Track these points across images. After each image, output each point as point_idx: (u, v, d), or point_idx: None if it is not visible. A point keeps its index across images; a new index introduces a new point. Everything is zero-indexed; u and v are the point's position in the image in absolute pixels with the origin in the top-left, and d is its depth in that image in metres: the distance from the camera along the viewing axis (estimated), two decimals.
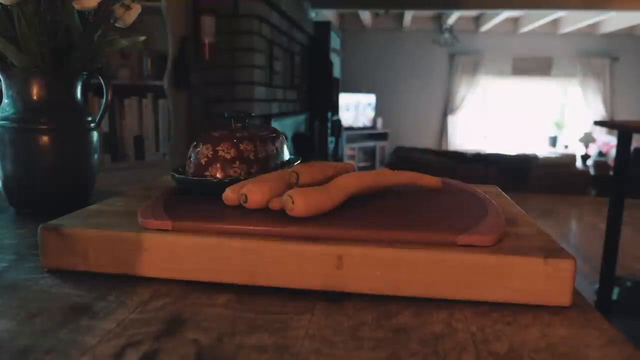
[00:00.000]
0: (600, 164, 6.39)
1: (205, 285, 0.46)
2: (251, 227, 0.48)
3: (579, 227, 4.73)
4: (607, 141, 6.81)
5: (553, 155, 6.60)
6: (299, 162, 0.68)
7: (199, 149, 0.63)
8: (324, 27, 5.27)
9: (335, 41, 5.83)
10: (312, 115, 5.10)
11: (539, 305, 0.43)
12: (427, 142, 7.61)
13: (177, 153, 2.56)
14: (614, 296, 2.48)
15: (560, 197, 5.69)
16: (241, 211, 0.52)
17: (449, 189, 0.66)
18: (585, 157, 6.84)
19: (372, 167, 6.92)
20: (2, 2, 0.65)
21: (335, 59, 5.80)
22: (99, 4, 0.69)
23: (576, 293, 0.43)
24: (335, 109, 5.66)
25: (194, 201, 0.57)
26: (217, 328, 0.39)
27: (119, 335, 0.38)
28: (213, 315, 0.41)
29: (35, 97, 0.71)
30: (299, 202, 0.49)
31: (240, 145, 0.61)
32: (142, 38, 0.80)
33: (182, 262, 0.47)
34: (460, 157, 3.93)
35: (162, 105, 2.62)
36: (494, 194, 0.68)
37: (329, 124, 5.43)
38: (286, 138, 3.12)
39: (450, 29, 7.06)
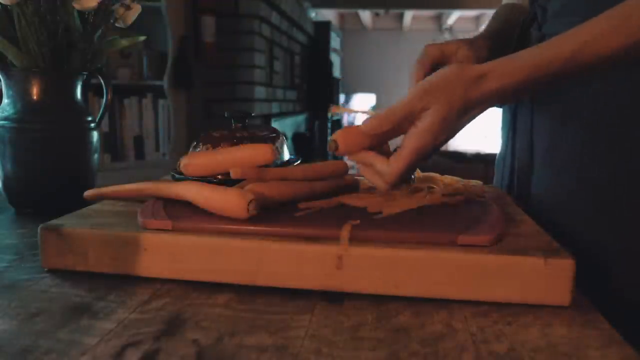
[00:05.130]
0: None
1: (205, 285, 0.46)
2: (251, 227, 0.48)
3: None
4: None
5: None
6: (298, 162, 0.68)
7: (199, 149, 0.63)
8: (324, 27, 5.26)
9: (335, 41, 5.83)
10: (312, 115, 5.10)
11: (539, 305, 0.43)
12: None
13: (177, 153, 2.55)
14: None
15: None
16: None
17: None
18: None
19: None
20: (2, 2, 0.65)
21: (335, 59, 5.80)
22: (99, 4, 0.69)
23: (576, 293, 0.43)
24: None
25: None
26: (217, 328, 0.39)
27: (119, 335, 0.38)
28: (213, 315, 0.41)
29: (35, 97, 0.71)
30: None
31: (240, 145, 0.61)
32: (142, 38, 0.80)
33: (182, 262, 0.47)
34: (460, 157, 3.93)
35: (162, 105, 2.61)
36: (494, 194, 0.68)
37: (329, 124, 5.43)
38: (286, 138, 3.12)
39: (450, 29, 7.06)
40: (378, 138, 0.52)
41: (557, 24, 0.61)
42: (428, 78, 0.50)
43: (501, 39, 0.69)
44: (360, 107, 6.64)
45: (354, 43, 7.37)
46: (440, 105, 0.48)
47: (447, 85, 0.49)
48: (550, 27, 0.62)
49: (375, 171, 0.52)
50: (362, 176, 0.56)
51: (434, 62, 0.61)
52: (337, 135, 0.52)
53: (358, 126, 0.52)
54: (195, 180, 0.58)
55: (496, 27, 0.72)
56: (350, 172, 0.64)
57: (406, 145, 0.50)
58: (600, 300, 0.44)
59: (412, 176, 0.61)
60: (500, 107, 0.77)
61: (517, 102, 0.69)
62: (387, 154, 0.53)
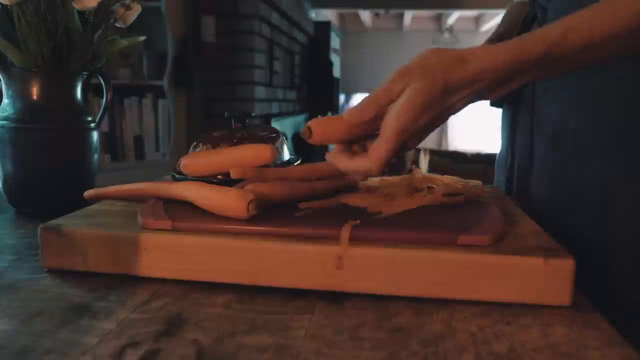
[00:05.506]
0: None
1: (205, 285, 0.46)
2: (251, 227, 0.48)
3: None
4: None
5: None
6: (298, 162, 0.68)
7: (199, 149, 0.63)
8: (324, 27, 5.27)
9: (335, 41, 5.83)
10: (312, 115, 5.10)
11: (539, 305, 0.43)
12: (427, 141, 7.59)
13: (177, 153, 2.55)
14: None
15: None
16: None
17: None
18: None
19: None
20: (2, 2, 0.65)
21: (335, 59, 5.80)
22: (99, 4, 0.69)
23: (576, 293, 0.43)
24: (335, 109, 5.66)
25: None
26: (217, 328, 0.39)
27: (119, 335, 0.38)
28: (213, 315, 0.41)
29: (35, 97, 0.71)
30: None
31: (240, 145, 0.61)
32: (142, 38, 0.80)
33: (182, 262, 0.47)
34: (460, 157, 3.94)
35: (162, 105, 2.61)
36: (494, 194, 0.68)
37: None
38: (286, 138, 3.12)
39: (450, 29, 7.06)
40: (360, 128, 0.49)
41: None
42: (406, 63, 0.49)
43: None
44: None
45: (354, 43, 7.37)
46: (419, 82, 0.46)
47: (425, 64, 0.47)
48: None
49: (354, 169, 0.50)
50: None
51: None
52: (313, 122, 0.49)
53: (339, 116, 0.49)
54: (195, 180, 0.58)
55: (505, 29, 0.71)
56: None
57: (386, 125, 0.47)
58: (600, 300, 0.44)
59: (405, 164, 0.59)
60: (500, 106, 0.77)
61: (504, 92, 0.68)
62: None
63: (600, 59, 0.50)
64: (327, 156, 0.51)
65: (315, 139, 0.48)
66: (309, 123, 0.49)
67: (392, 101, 0.47)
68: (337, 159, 0.50)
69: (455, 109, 0.49)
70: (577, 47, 0.47)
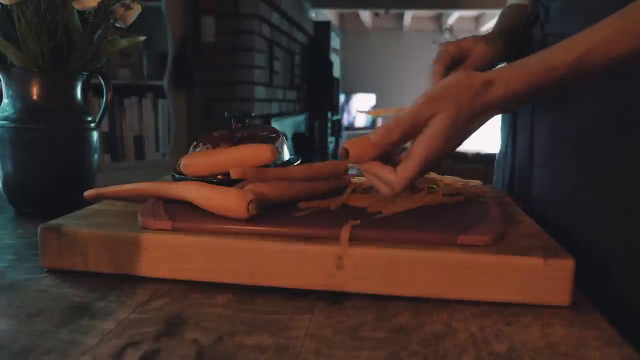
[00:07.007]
0: None
1: (205, 285, 0.46)
2: (251, 227, 0.48)
3: None
4: None
5: None
6: (298, 162, 0.68)
7: (199, 149, 0.63)
8: (324, 27, 5.27)
9: (335, 41, 5.83)
10: (312, 115, 5.10)
11: (539, 305, 0.43)
12: None
13: (177, 153, 2.55)
14: None
15: None
16: None
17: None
18: None
19: None
20: (2, 2, 0.65)
21: (335, 59, 5.80)
22: (99, 4, 0.69)
23: (576, 293, 0.43)
24: (335, 109, 5.66)
25: None
26: (217, 328, 0.39)
27: (119, 335, 0.38)
28: (213, 315, 0.41)
29: (35, 97, 0.71)
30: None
31: (240, 145, 0.61)
32: (142, 38, 0.80)
33: (182, 262, 0.47)
34: (460, 157, 3.93)
35: (162, 105, 2.61)
36: (494, 194, 0.68)
37: (329, 124, 5.43)
38: (286, 138, 3.12)
39: (450, 29, 7.06)
40: (387, 147, 0.51)
41: (560, 24, 0.61)
42: (434, 86, 0.50)
43: (512, 37, 0.69)
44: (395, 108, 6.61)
45: (354, 43, 7.37)
46: (447, 112, 0.48)
47: (454, 92, 0.48)
48: (553, 26, 0.62)
49: (381, 180, 0.52)
50: (370, 184, 0.55)
51: (453, 59, 0.62)
52: (349, 144, 0.52)
53: (367, 136, 0.52)
54: (195, 180, 0.58)
55: (506, 24, 0.72)
56: (351, 172, 0.64)
57: (414, 153, 0.49)
58: (600, 300, 0.44)
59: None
60: None
61: (521, 107, 0.69)
62: (396, 164, 0.52)
63: (617, 72, 0.50)
64: (360, 166, 0.53)
65: (351, 159, 0.52)
66: (345, 145, 0.52)
67: (417, 126, 0.49)
68: (371, 165, 0.52)
69: (478, 128, 0.51)
70: (599, 65, 0.48)
